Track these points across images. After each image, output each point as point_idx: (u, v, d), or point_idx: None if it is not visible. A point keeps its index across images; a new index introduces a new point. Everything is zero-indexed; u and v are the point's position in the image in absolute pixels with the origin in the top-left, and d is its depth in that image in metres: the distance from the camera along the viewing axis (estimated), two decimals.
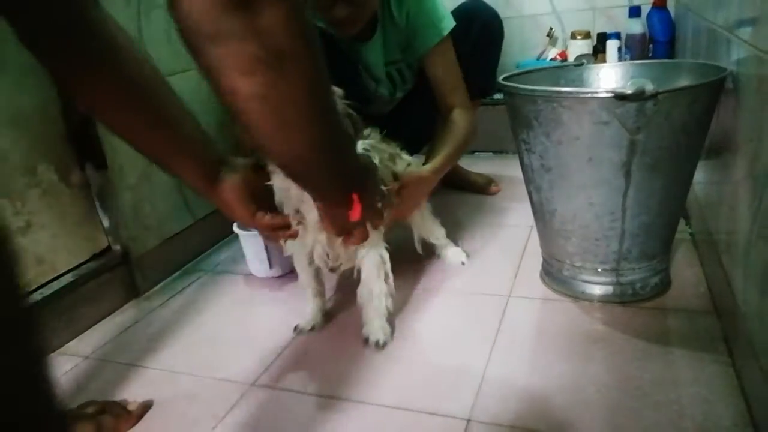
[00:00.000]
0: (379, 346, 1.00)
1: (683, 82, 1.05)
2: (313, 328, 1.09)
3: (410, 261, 1.34)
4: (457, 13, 1.52)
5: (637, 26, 1.92)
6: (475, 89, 1.55)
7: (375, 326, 1.02)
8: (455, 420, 0.81)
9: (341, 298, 1.20)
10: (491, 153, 2.13)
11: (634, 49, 1.92)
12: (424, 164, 1.26)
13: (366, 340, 1.01)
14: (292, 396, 0.90)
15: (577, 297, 1.08)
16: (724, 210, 0.96)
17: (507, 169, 1.82)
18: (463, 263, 1.30)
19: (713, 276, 1.04)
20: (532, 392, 0.85)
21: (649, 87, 0.85)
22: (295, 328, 1.09)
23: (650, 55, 1.91)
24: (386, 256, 1.02)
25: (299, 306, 1.11)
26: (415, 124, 1.54)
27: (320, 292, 1.11)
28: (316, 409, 0.87)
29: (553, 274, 1.12)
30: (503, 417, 0.80)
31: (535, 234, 1.18)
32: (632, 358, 0.90)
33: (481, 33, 1.50)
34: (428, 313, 1.12)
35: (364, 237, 0.85)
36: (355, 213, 0.73)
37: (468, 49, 1.47)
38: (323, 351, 1.02)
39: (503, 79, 1.05)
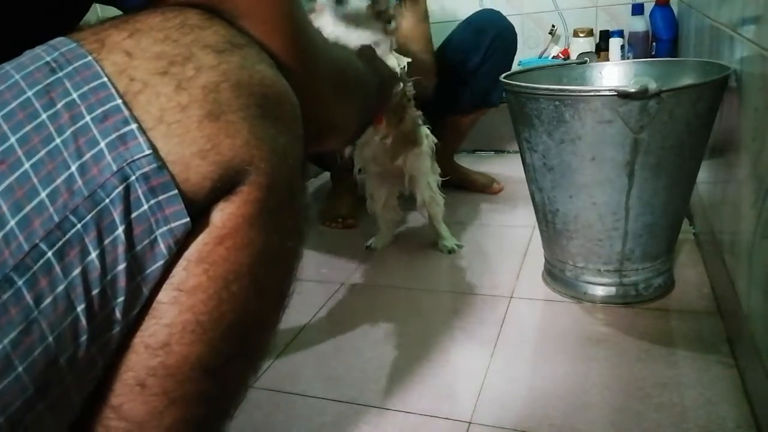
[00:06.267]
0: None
1: (686, 80, 1.04)
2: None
3: (411, 261, 1.34)
4: (470, 21, 1.53)
5: (640, 24, 1.91)
6: (479, 99, 1.56)
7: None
8: (456, 423, 0.80)
9: (344, 293, 1.19)
10: (493, 152, 2.12)
11: (637, 47, 1.91)
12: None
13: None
14: (289, 397, 0.90)
15: (580, 298, 1.07)
16: (727, 210, 0.95)
17: (509, 169, 1.81)
18: (450, 252, 1.33)
19: (717, 276, 1.03)
20: (534, 394, 0.84)
21: (653, 85, 0.84)
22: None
23: (653, 53, 1.90)
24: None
25: None
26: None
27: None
28: (315, 410, 0.86)
29: (555, 275, 1.12)
30: (505, 419, 0.80)
31: (537, 234, 1.17)
32: (635, 359, 0.89)
33: (491, 44, 1.50)
34: (429, 314, 1.11)
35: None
36: (379, 122, 0.87)
37: (477, 60, 1.48)
38: (321, 352, 1.02)
39: (505, 78, 1.04)
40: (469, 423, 0.80)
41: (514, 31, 1.55)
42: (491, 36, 1.50)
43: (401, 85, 1.09)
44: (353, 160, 1.30)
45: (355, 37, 1.06)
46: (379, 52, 1.04)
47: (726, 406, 0.78)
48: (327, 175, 1.84)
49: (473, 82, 1.53)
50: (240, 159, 0.38)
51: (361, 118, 0.69)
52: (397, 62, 1.12)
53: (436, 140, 1.30)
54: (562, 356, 0.92)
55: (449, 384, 0.89)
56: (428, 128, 1.29)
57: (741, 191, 0.85)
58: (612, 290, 1.05)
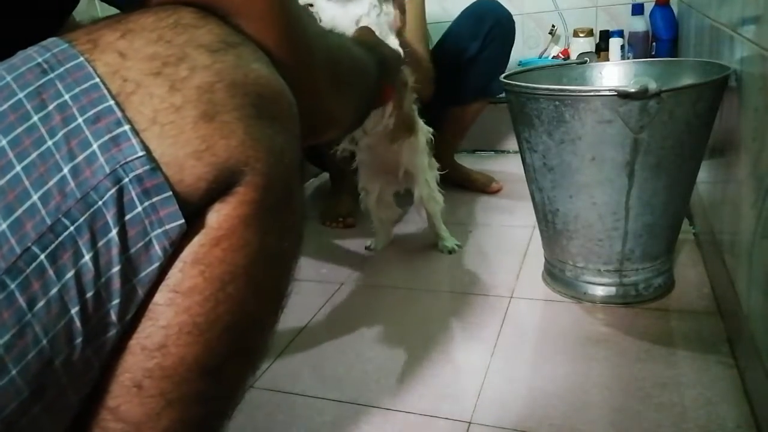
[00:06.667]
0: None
1: (686, 80, 1.04)
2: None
3: (411, 261, 1.34)
4: (469, 10, 1.53)
5: (640, 24, 1.91)
6: (479, 88, 1.56)
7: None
8: (456, 423, 0.80)
9: (342, 297, 1.19)
10: (493, 152, 2.12)
11: (637, 47, 1.91)
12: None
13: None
14: (289, 397, 0.90)
15: (580, 298, 1.07)
16: (727, 210, 0.95)
17: (509, 169, 1.81)
18: (450, 252, 1.33)
19: (717, 276, 1.03)
20: (534, 394, 0.84)
21: (653, 85, 0.84)
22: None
23: (653, 53, 1.90)
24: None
25: None
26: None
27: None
28: (315, 410, 0.86)
29: (555, 274, 1.12)
30: (505, 419, 0.80)
31: (537, 234, 1.17)
32: (635, 359, 0.89)
33: (490, 31, 1.51)
34: (429, 314, 1.11)
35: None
36: (388, 97, 0.84)
37: (476, 47, 1.48)
38: (321, 352, 1.02)
39: (505, 78, 1.04)
40: (469, 423, 0.80)
41: (513, 20, 1.56)
42: (490, 24, 1.51)
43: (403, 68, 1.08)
44: (350, 159, 1.29)
45: (348, 8, 1.02)
46: (376, 26, 1.02)
47: (726, 406, 0.78)
48: (327, 175, 1.84)
49: (472, 71, 1.53)
50: (235, 160, 0.38)
51: (360, 108, 0.68)
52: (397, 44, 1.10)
53: (432, 130, 1.28)
54: (562, 356, 0.92)
55: (449, 384, 0.89)
56: (423, 121, 1.27)
57: (741, 191, 0.85)
58: (612, 290, 1.05)
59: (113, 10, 0.46)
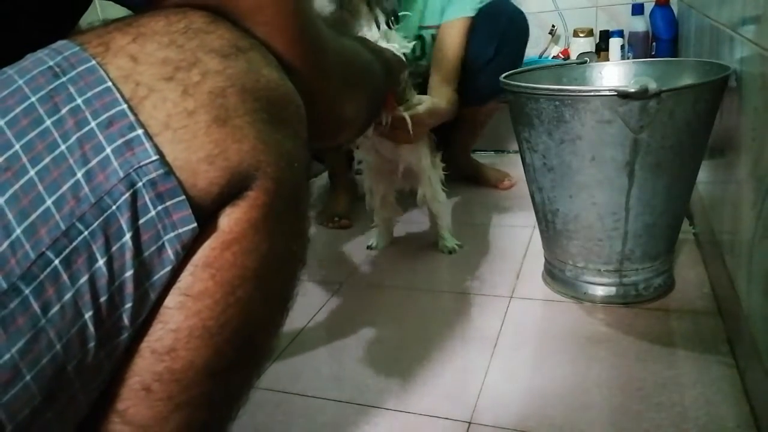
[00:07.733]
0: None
1: (686, 80, 1.04)
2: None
3: (411, 261, 1.34)
4: (483, 12, 1.53)
5: (640, 24, 1.91)
6: (495, 89, 1.56)
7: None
8: (456, 423, 0.80)
9: (339, 306, 1.19)
10: (493, 152, 2.12)
11: (637, 47, 1.91)
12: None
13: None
14: (289, 397, 0.90)
15: (580, 298, 1.07)
16: (727, 210, 0.95)
17: (508, 169, 1.81)
18: (450, 252, 1.33)
19: (717, 277, 1.03)
20: (534, 394, 0.84)
21: (653, 85, 0.84)
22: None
23: (653, 53, 1.90)
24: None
25: None
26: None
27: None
28: (315, 410, 0.86)
29: (555, 274, 1.12)
30: (505, 420, 0.80)
31: (537, 234, 1.17)
32: (635, 359, 0.89)
33: (505, 32, 1.51)
34: (429, 314, 1.11)
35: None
36: (390, 106, 0.86)
37: (492, 49, 1.48)
38: (321, 351, 1.02)
39: (505, 78, 1.04)
40: (469, 423, 0.80)
41: (525, 18, 1.56)
42: (504, 24, 1.51)
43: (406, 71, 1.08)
44: (350, 155, 1.29)
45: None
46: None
47: (726, 405, 0.78)
48: (326, 175, 1.84)
49: (489, 73, 1.53)
50: (247, 164, 0.38)
51: (370, 109, 0.68)
52: (398, 47, 1.10)
53: (434, 136, 1.29)
54: (562, 356, 0.92)
55: (449, 384, 0.89)
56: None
57: (741, 191, 0.85)
58: (612, 290, 1.05)
59: (114, 13, 0.45)
